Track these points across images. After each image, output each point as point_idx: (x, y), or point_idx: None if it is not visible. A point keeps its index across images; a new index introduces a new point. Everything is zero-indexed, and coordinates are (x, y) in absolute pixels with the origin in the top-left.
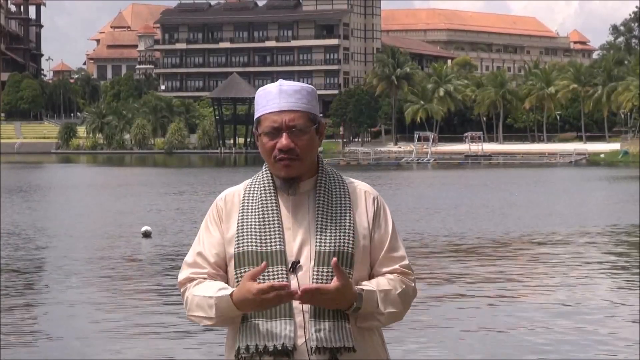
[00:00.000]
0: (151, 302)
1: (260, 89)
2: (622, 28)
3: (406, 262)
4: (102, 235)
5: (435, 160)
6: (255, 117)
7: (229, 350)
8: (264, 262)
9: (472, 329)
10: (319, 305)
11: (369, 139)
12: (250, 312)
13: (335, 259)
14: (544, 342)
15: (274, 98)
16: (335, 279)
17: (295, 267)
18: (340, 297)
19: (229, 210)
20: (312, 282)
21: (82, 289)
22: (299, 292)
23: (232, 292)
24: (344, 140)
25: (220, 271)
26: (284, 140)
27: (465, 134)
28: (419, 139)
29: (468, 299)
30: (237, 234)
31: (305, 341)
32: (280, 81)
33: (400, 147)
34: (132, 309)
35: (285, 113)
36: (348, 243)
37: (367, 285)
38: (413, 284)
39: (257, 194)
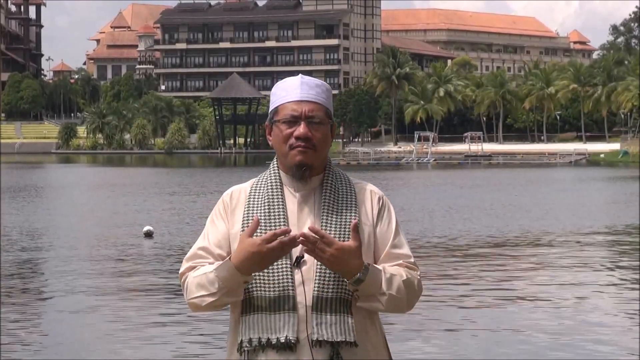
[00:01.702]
0: (152, 303)
1: (279, 82)
2: (622, 28)
3: (411, 259)
4: (103, 236)
5: (435, 160)
6: (272, 107)
7: (232, 347)
8: (256, 216)
9: (471, 329)
10: (322, 261)
11: (369, 139)
12: (253, 273)
13: (356, 220)
14: (542, 343)
15: (295, 88)
16: (350, 239)
17: (299, 261)
18: (346, 257)
19: (234, 207)
20: (316, 277)
21: (82, 289)
22: (302, 235)
23: (230, 257)
24: (344, 140)
25: None
26: (302, 129)
27: (465, 134)
28: (419, 139)
29: (466, 300)
30: (242, 228)
31: (308, 335)
32: (301, 75)
33: (400, 147)
34: (133, 309)
35: (305, 103)
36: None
37: (374, 265)
38: (419, 278)
39: (263, 190)
